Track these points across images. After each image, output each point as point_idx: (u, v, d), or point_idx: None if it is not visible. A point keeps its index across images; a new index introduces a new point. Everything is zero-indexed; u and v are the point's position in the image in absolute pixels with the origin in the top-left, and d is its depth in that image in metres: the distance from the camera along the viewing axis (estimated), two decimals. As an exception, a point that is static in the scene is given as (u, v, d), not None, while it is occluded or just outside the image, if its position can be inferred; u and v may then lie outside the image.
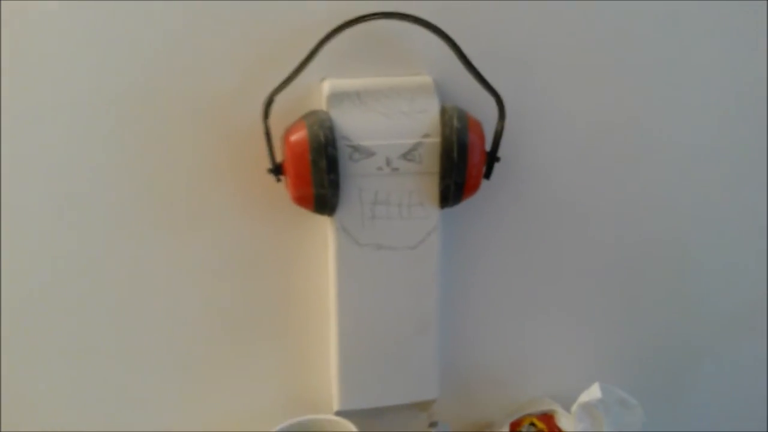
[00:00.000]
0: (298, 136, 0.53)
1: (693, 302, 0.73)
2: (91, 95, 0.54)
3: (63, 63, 0.53)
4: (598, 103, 0.63)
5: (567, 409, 0.67)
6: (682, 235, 0.70)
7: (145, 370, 0.63)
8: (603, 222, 0.67)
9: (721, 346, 0.76)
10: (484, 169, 0.57)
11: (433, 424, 0.67)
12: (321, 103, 0.56)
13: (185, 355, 0.63)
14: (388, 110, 0.55)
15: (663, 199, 0.67)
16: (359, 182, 0.55)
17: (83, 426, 0.63)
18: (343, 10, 0.53)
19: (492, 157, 0.57)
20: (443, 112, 0.55)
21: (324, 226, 0.60)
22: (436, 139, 0.55)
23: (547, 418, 0.68)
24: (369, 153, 0.55)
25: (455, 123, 0.54)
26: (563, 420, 0.67)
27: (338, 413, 0.63)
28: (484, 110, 0.57)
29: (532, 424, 0.68)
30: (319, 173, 0.53)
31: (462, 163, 0.54)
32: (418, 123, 0.55)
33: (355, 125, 0.54)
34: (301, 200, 0.55)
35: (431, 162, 0.56)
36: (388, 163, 0.55)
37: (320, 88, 0.57)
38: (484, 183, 0.58)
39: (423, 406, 0.66)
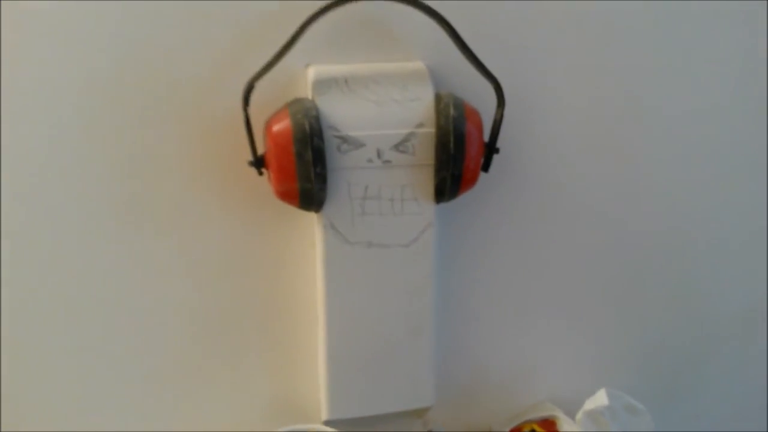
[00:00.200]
0: (281, 125, 0.52)
1: (698, 303, 0.73)
2: (54, 84, 0.53)
3: (26, 51, 0.52)
4: (603, 89, 0.62)
5: (569, 414, 0.68)
6: (687, 235, 0.70)
7: (122, 379, 0.63)
8: (607, 219, 0.67)
9: (726, 348, 0.76)
10: (482, 161, 0.56)
11: (428, 433, 0.68)
12: (306, 91, 0.56)
13: (163, 362, 0.63)
14: (379, 98, 0.55)
15: (668, 196, 0.67)
16: (348, 176, 0.55)
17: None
18: (330, -11, 0.51)
19: (491, 149, 0.56)
20: (438, 99, 0.55)
21: (310, 223, 0.59)
22: (430, 129, 0.54)
23: (549, 423, 0.68)
24: (358, 144, 0.54)
25: (451, 111, 0.53)
26: (565, 426, 0.67)
27: (327, 423, 0.62)
28: (481, 98, 0.56)
29: (533, 430, 0.68)
30: (304, 166, 0.52)
31: (459, 155, 0.53)
32: (411, 112, 0.54)
33: (343, 114, 0.54)
34: (284, 195, 0.54)
35: (425, 154, 0.55)
36: (379, 154, 0.54)
37: (305, 74, 0.56)
38: (482, 176, 0.57)
39: (418, 413, 0.66)
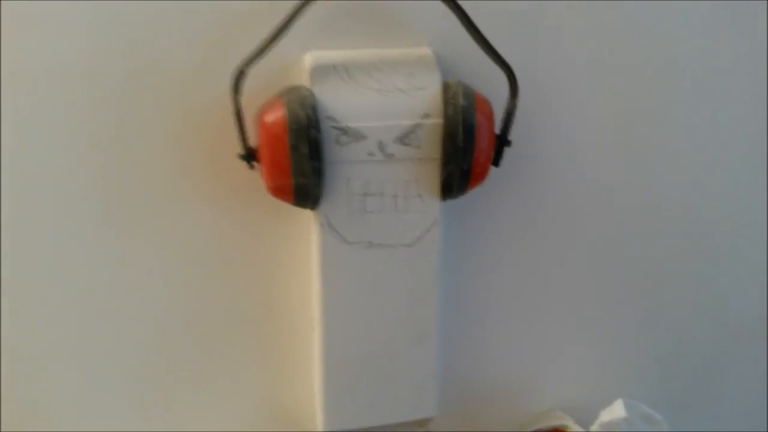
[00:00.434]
0: (275, 115, 0.51)
1: (716, 307, 0.73)
2: (32, 75, 0.52)
3: (4, 41, 0.51)
4: (622, 83, 0.62)
5: (580, 423, 0.68)
6: (706, 238, 0.70)
7: (109, 386, 0.62)
8: (623, 220, 0.67)
9: (746, 353, 0.76)
10: (492, 155, 0.55)
11: (431, 444, 0.68)
12: (303, 78, 0.54)
13: (151, 369, 0.62)
14: (382, 87, 0.53)
15: (686, 196, 0.67)
16: (347, 170, 0.54)
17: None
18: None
19: (502, 141, 0.56)
20: (446, 88, 0.54)
21: (306, 221, 0.58)
22: (437, 120, 0.53)
23: (559, 433, 0.69)
24: (359, 136, 0.53)
25: (460, 101, 0.52)
26: (576, 435, 0.68)
27: (323, 435, 0.62)
28: (493, 87, 0.55)
29: (543, 440, 0.68)
30: (299, 160, 0.50)
31: (468, 148, 0.52)
32: (416, 101, 0.53)
33: (342, 104, 0.52)
34: (278, 191, 0.53)
35: (432, 147, 0.54)
36: (381, 147, 0.53)
37: (302, 61, 0.55)
38: (493, 171, 0.56)
39: (420, 423, 0.65)
